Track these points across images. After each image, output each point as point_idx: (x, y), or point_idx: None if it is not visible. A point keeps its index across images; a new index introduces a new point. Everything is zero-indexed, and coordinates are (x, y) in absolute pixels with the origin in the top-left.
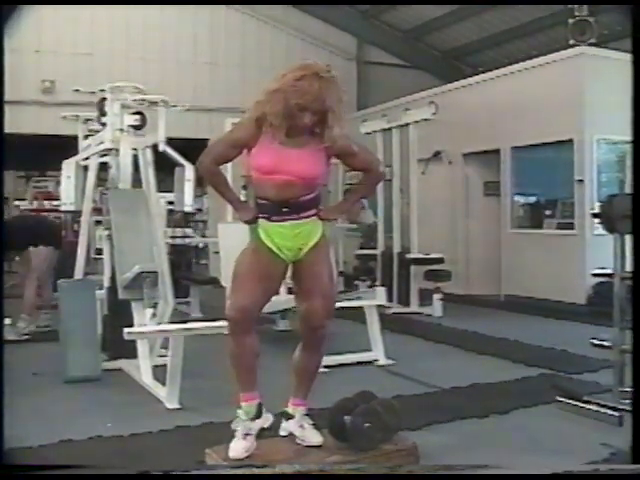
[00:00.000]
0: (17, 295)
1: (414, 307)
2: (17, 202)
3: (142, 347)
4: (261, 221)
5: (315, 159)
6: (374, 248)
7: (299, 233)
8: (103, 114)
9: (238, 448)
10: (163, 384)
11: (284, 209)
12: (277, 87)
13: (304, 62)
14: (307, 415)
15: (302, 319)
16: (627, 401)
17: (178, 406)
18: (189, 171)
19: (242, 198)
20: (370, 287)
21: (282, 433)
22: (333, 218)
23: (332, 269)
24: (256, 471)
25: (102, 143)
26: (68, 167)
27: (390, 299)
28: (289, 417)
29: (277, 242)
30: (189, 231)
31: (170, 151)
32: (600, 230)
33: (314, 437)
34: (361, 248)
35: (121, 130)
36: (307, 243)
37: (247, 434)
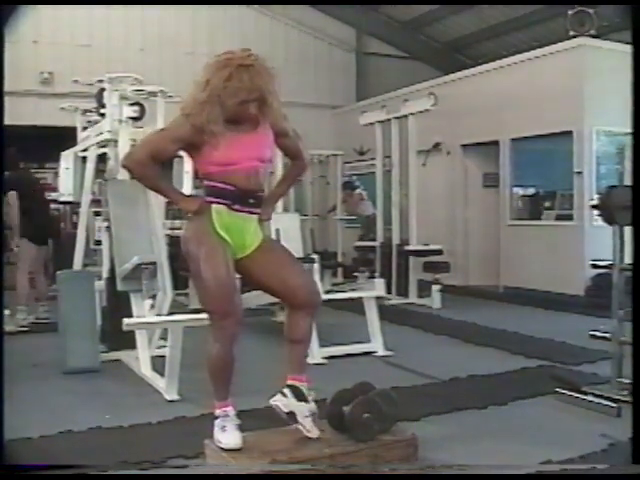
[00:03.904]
0: (9, 287)
1: (413, 298)
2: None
3: (141, 338)
4: (218, 208)
5: (267, 140)
6: (373, 240)
7: (250, 228)
8: (102, 105)
9: (236, 437)
10: (162, 375)
11: (250, 200)
12: (207, 95)
13: (220, 58)
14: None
15: (296, 294)
16: (625, 392)
17: (177, 397)
18: (187, 163)
19: None
20: (369, 278)
21: (281, 406)
22: (270, 217)
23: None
24: (256, 471)
25: (101, 134)
26: (67, 158)
27: (389, 290)
28: (302, 397)
29: (231, 233)
30: None
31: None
32: (599, 222)
33: (315, 430)
34: (360, 240)
35: (120, 121)
36: (254, 241)
37: (239, 425)
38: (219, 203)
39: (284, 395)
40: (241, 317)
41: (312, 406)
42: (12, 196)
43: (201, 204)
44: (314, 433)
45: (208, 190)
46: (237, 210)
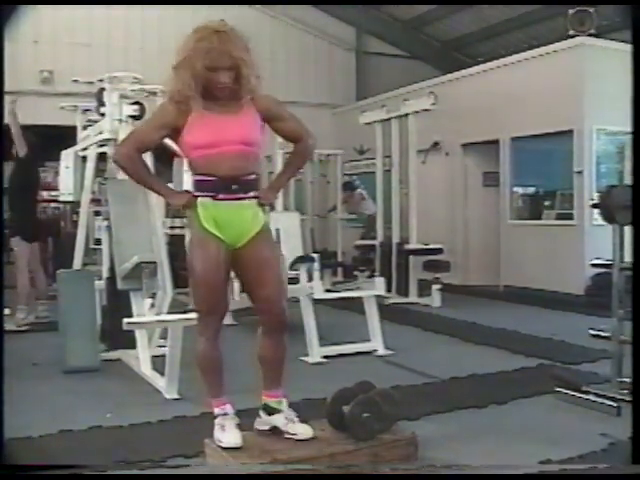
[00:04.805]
0: (9, 286)
1: (413, 297)
2: None
3: (141, 337)
4: (203, 201)
5: (252, 122)
6: (376, 239)
7: (245, 216)
8: (102, 104)
9: (236, 436)
10: (162, 374)
11: (233, 186)
12: (179, 60)
13: (197, 26)
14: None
15: (261, 309)
16: (625, 391)
17: (177, 396)
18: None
19: None
20: (369, 278)
21: (261, 427)
22: (272, 200)
23: (279, 254)
24: (256, 470)
25: (101, 133)
26: (67, 157)
27: (389, 289)
28: (272, 411)
29: (221, 224)
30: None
31: (169, 141)
32: (599, 221)
33: (306, 430)
34: (363, 239)
35: (120, 120)
36: (252, 229)
37: (238, 424)
38: (204, 196)
39: (259, 416)
40: (224, 314)
41: (286, 412)
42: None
43: (189, 199)
44: (303, 434)
45: (193, 184)
46: (223, 199)
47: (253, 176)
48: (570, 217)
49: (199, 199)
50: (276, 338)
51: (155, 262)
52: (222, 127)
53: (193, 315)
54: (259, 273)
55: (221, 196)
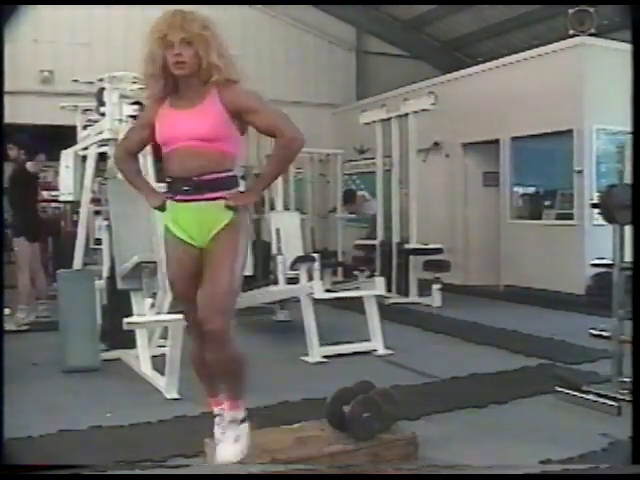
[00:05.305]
0: (10, 285)
1: (413, 297)
2: None
3: (141, 337)
4: (169, 203)
5: (213, 116)
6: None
7: (203, 218)
8: (102, 104)
9: (236, 450)
10: (162, 374)
11: (184, 187)
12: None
13: None
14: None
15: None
16: (625, 391)
17: (177, 396)
18: None
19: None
20: (369, 277)
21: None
22: (242, 204)
23: (240, 259)
24: (256, 470)
25: (101, 133)
26: (67, 157)
27: (389, 289)
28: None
29: (183, 226)
30: None
31: None
32: (599, 220)
33: (227, 454)
34: (368, 238)
35: (120, 120)
36: (212, 229)
37: (239, 436)
38: (168, 197)
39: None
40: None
41: (221, 426)
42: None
43: (162, 200)
44: (222, 457)
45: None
46: (180, 201)
47: (216, 175)
48: (570, 217)
49: (168, 201)
50: (207, 350)
51: (155, 262)
52: (176, 123)
53: None
54: (205, 276)
55: (178, 197)
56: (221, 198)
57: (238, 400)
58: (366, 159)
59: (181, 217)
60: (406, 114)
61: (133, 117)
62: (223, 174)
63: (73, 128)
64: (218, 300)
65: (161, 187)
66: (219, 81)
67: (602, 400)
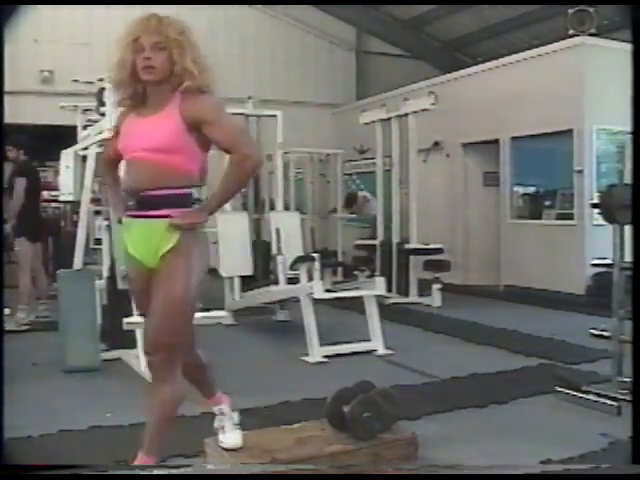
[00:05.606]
0: (10, 285)
1: (413, 297)
2: None
3: (141, 337)
4: (124, 218)
5: (169, 126)
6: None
7: (149, 237)
8: (102, 104)
9: (236, 436)
10: None
11: (130, 202)
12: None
13: None
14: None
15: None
16: (625, 391)
17: None
18: None
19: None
20: (369, 277)
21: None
22: (186, 224)
23: (190, 285)
24: (256, 470)
25: (101, 133)
26: (67, 157)
27: (389, 289)
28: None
29: (132, 243)
30: None
31: None
32: (599, 220)
33: (229, 440)
34: (371, 238)
35: None
36: (159, 249)
37: (238, 424)
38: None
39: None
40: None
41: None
42: (21, 182)
43: (122, 212)
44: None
45: None
46: (129, 216)
47: (165, 191)
48: (570, 217)
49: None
50: (159, 389)
51: None
52: (133, 131)
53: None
54: (152, 301)
55: (129, 212)
56: (168, 216)
57: (214, 396)
58: (366, 159)
59: (132, 233)
60: (406, 114)
61: None
62: (172, 191)
63: (73, 128)
64: (160, 335)
65: None
66: (190, 88)
67: (602, 400)
